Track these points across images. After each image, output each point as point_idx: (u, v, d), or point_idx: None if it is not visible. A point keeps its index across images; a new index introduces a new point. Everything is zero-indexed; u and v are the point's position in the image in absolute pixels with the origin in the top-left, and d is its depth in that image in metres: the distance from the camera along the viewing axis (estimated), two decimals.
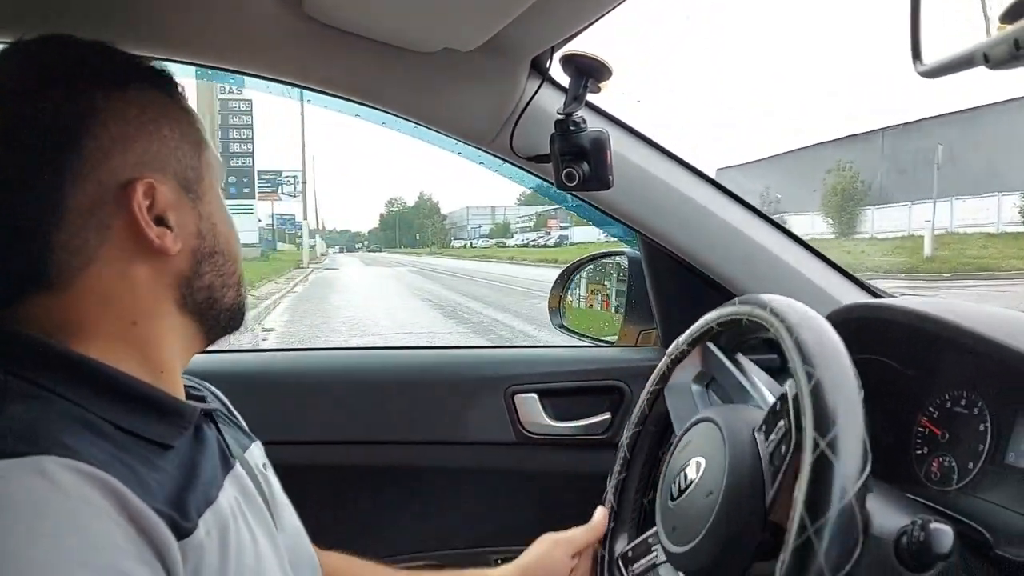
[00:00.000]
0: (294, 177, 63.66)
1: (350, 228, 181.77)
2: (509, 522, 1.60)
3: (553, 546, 1.08)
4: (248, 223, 48.44)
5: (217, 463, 0.79)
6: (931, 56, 0.58)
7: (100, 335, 0.73)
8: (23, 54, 0.74)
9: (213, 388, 0.99)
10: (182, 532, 0.66)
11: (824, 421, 0.69)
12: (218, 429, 0.85)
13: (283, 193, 65.41)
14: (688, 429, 0.93)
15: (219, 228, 0.81)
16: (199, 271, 0.79)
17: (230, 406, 1.01)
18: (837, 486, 0.67)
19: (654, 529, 0.95)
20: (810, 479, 0.68)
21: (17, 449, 0.59)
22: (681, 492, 0.87)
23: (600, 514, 1.09)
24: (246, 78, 1.21)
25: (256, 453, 0.94)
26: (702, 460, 0.86)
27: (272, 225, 65.17)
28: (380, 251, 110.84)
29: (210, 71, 1.19)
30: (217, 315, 0.82)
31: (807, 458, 0.69)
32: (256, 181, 55.46)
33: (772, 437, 0.80)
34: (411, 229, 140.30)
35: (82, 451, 0.62)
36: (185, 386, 0.85)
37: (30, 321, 0.72)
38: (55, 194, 0.70)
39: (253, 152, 54.53)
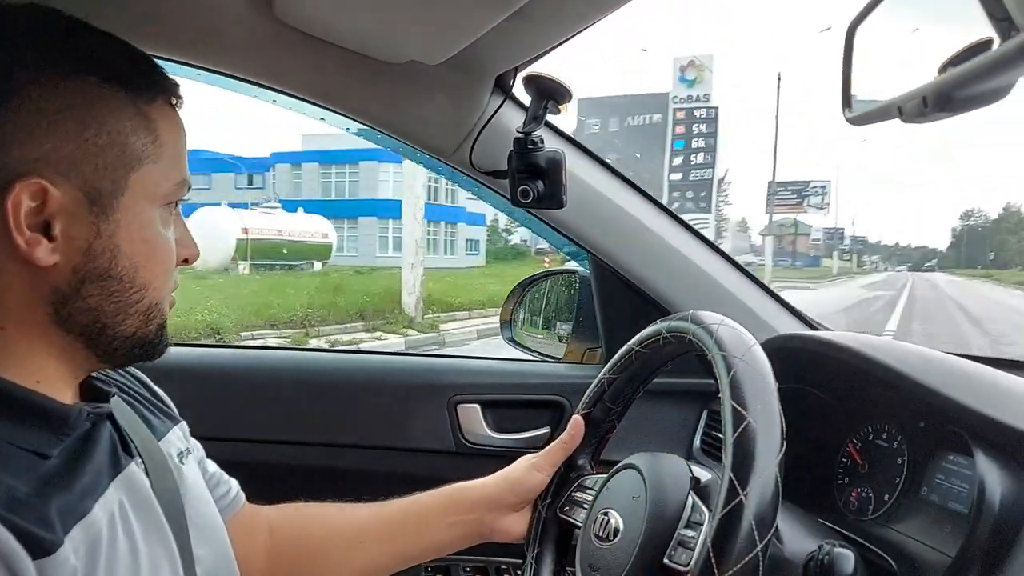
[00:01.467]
0: (822, 188, 57.63)
1: (926, 244, 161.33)
2: None
3: (528, 462, 1.08)
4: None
5: (103, 467, 0.74)
6: (859, 105, 0.62)
7: None
8: None
9: (135, 371, 0.95)
10: (41, 550, 0.62)
11: (746, 472, 0.73)
12: (115, 426, 0.80)
13: (809, 205, 58.58)
14: (614, 474, 0.96)
15: (123, 252, 0.72)
16: (80, 292, 0.71)
17: (154, 388, 0.97)
18: (746, 534, 0.71)
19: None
20: (720, 526, 0.72)
21: None
22: (600, 538, 0.90)
23: (573, 426, 1.07)
24: (216, 77, 1.22)
25: (174, 439, 0.91)
26: (624, 509, 0.89)
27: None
28: (933, 270, 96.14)
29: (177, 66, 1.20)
30: (110, 342, 0.75)
31: (721, 505, 0.73)
32: (715, 193, 50.31)
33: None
34: (986, 245, 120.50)
35: None
36: (92, 378, 0.81)
37: None
38: None
39: (714, 162, 48.83)
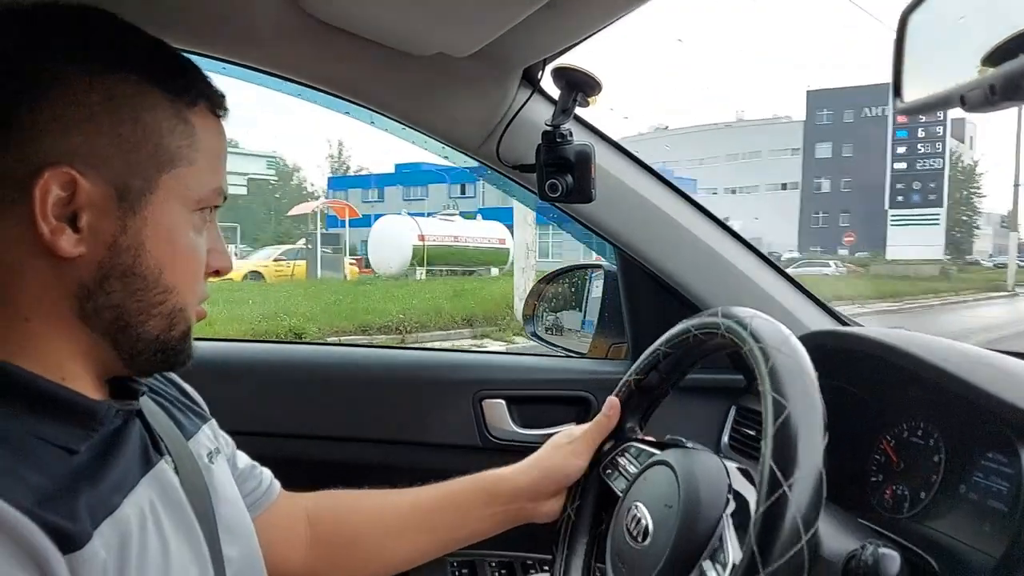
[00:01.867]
0: None
1: None
2: None
3: (566, 448, 1.06)
4: (932, 235, 43.09)
5: (133, 464, 0.74)
6: (911, 94, 0.61)
7: None
8: (36, 9, 0.70)
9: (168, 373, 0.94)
10: (70, 545, 0.61)
11: (788, 463, 0.72)
12: (145, 424, 0.79)
13: None
14: (645, 469, 0.95)
15: (148, 251, 0.71)
16: (104, 287, 0.70)
17: (184, 387, 0.96)
18: (790, 527, 0.69)
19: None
20: (763, 521, 0.70)
21: None
22: (632, 535, 0.88)
23: (609, 407, 1.07)
24: (243, 71, 1.22)
25: (204, 439, 0.91)
26: (656, 507, 0.88)
27: None
28: None
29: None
30: (134, 343, 0.74)
31: (763, 498, 0.71)
32: (945, 184, 46.17)
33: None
34: None
35: None
36: (120, 377, 0.79)
37: None
38: None
39: (944, 154, 46.15)
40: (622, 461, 1.02)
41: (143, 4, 0.73)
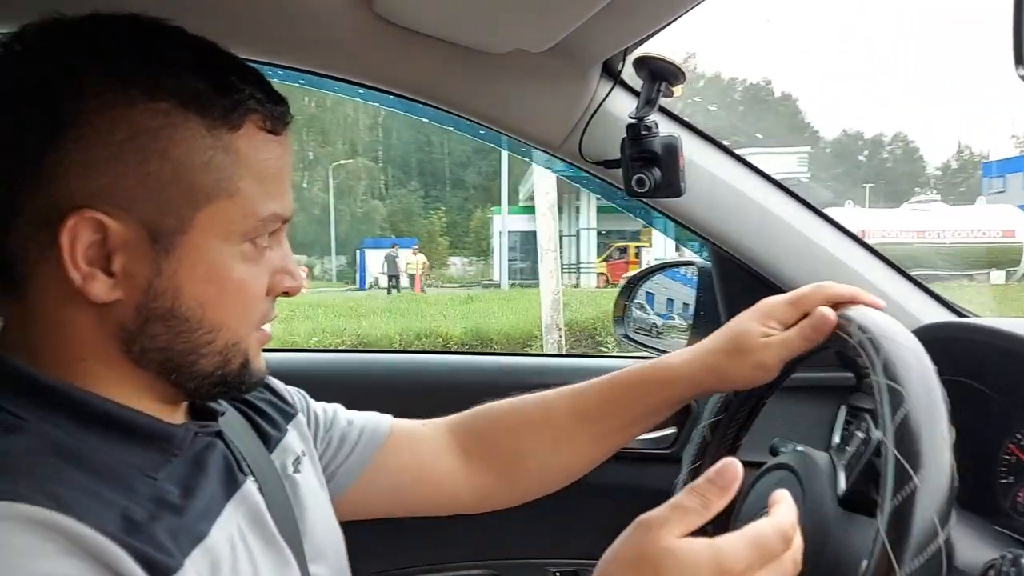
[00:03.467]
0: None
1: None
2: (566, 534, 1.58)
3: (757, 340, 0.90)
4: None
5: (218, 488, 0.72)
6: None
7: (55, 362, 0.67)
8: (67, 26, 0.66)
9: None
10: (161, 570, 0.60)
11: (914, 455, 0.66)
12: (226, 444, 0.77)
13: None
14: (764, 474, 0.89)
15: (187, 292, 0.67)
16: (146, 330, 0.67)
17: (272, 384, 0.94)
18: (925, 523, 0.63)
19: None
20: (894, 516, 0.65)
21: None
22: None
23: (819, 319, 0.88)
24: (316, 79, 1.21)
25: (292, 443, 0.89)
26: None
27: None
28: None
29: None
30: (188, 381, 0.70)
31: (890, 493, 0.66)
32: None
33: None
34: None
35: (36, 492, 0.56)
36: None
37: (2, 342, 0.68)
38: (7, 196, 0.64)
39: None
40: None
41: (208, 14, 0.71)
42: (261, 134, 0.69)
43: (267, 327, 0.76)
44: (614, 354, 1.84)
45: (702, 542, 0.57)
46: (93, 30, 0.66)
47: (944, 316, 1.34)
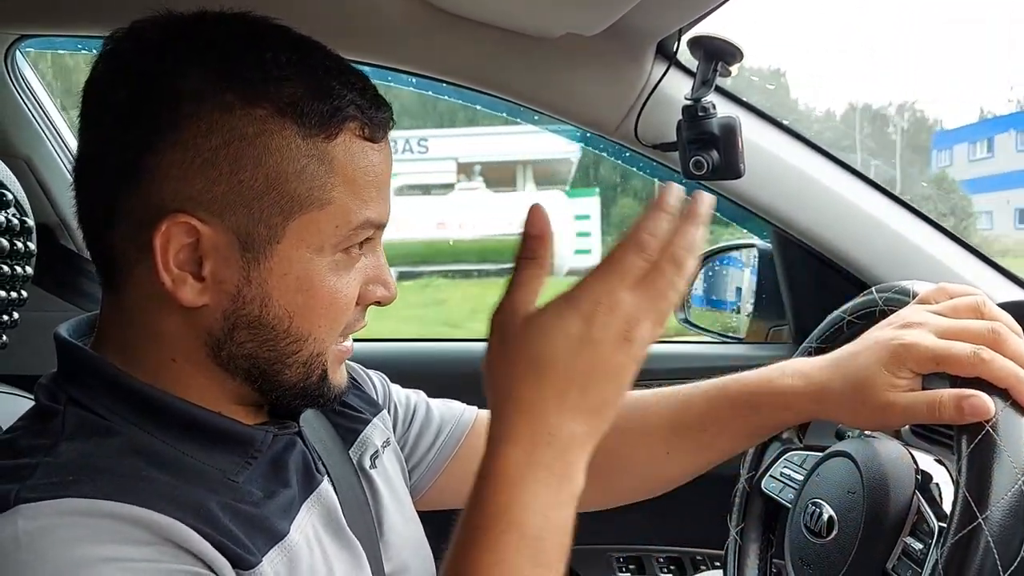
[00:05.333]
0: None
1: None
2: (629, 521, 1.56)
3: (886, 368, 0.74)
4: None
5: (295, 489, 0.72)
6: None
7: (146, 362, 0.68)
8: (173, 24, 0.66)
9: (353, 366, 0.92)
10: (244, 564, 0.61)
11: (983, 488, 0.64)
12: (305, 444, 0.77)
13: None
14: (824, 460, 0.87)
15: (275, 301, 0.67)
16: (233, 337, 0.67)
17: (356, 376, 0.93)
18: (986, 566, 0.62)
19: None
20: (953, 554, 0.63)
21: (51, 492, 0.57)
22: (811, 531, 0.81)
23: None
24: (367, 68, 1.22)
25: (375, 435, 0.88)
26: (838, 502, 0.80)
27: None
28: None
29: None
30: (272, 390, 0.71)
31: (955, 528, 0.64)
32: None
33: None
34: None
35: (118, 489, 0.58)
36: None
37: (99, 339, 0.70)
38: (110, 193, 0.65)
39: None
40: (785, 471, 0.94)
41: (261, 6, 0.70)
42: (358, 142, 0.68)
43: (348, 342, 0.75)
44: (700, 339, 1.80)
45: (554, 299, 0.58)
46: (196, 29, 0.66)
47: (1019, 295, 1.29)
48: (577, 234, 11.51)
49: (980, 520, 0.62)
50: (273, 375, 0.69)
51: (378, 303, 0.74)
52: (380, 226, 0.71)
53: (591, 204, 12.03)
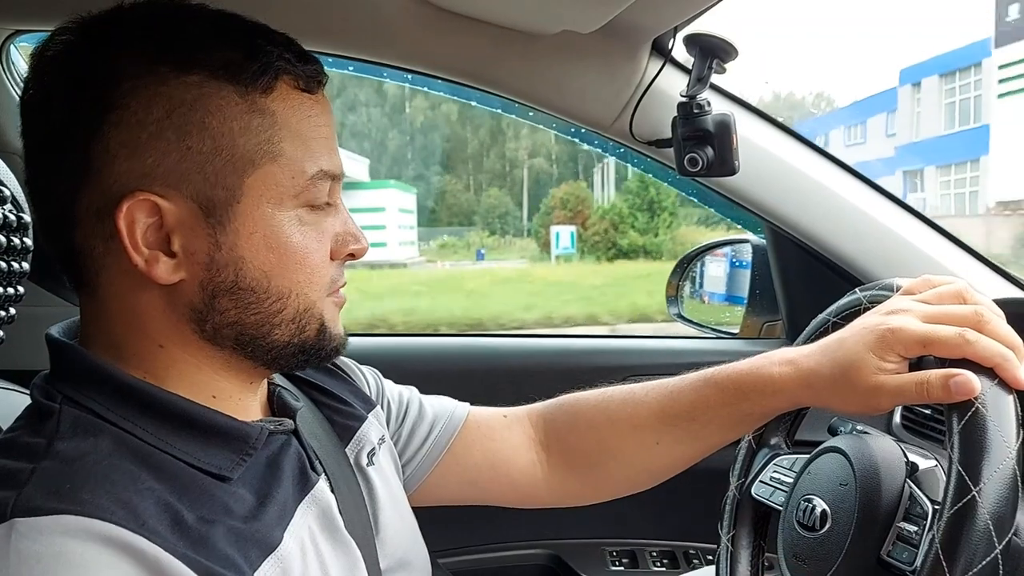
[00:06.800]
0: None
1: None
2: (623, 515, 1.58)
3: (874, 360, 0.75)
4: None
5: (290, 490, 0.71)
6: None
7: (135, 354, 0.68)
8: (93, 22, 0.67)
9: (347, 362, 0.94)
10: None
11: (976, 462, 0.64)
12: (301, 443, 0.77)
13: None
14: (815, 457, 0.87)
15: (248, 262, 0.67)
16: (215, 306, 0.67)
17: (349, 373, 0.94)
18: (982, 537, 0.62)
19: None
20: (949, 528, 0.64)
21: (47, 504, 0.56)
22: (804, 526, 0.82)
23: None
24: (362, 65, 1.22)
25: (371, 432, 0.88)
26: (830, 496, 0.81)
27: None
28: None
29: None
30: (267, 352, 0.71)
31: (950, 503, 0.64)
32: None
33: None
34: None
35: (113, 502, 0.57)
36: (282, 388, 0.79)
37: (85, 338, 0.70)
38: (65, 193, 0.65)
39: None
40: (775, 475, 0.94)
41: (259, 4, 0.70)
42: (295, 93, 0.69)
43: (342, 291, 0.76)
44: (693, 335, 1.81)
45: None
46: (119, 20, 0.67)
47: (1010, 292, 1.30)
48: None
49: (974, 492, 0.63)
50: (262, 338, 0.70)
51: (352, 256, 0.75)
52: (335, 177, 0.72)
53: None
